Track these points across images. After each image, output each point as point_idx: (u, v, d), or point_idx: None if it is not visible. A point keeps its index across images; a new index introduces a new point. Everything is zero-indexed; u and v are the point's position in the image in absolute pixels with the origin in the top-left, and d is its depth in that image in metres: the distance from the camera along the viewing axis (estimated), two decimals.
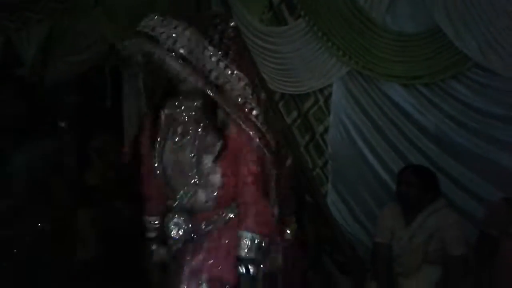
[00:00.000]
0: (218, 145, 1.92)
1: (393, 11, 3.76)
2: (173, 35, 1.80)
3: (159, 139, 2.00)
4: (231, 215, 2.00)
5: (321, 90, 3.96)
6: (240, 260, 1.90)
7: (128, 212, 3.95)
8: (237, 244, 1.91)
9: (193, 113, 1.97)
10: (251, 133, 1.91)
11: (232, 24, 1.98)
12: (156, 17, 1.85)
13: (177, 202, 1.99)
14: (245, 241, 1.90)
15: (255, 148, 1.93)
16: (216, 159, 1.93)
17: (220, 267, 1.95)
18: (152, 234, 2.22)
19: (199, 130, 1.95)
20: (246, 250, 1.89)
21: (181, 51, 1.80)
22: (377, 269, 3.16)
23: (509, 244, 2.89)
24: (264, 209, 1.94)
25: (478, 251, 3.07)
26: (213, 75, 1.87)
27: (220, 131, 1.93)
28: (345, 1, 3.80)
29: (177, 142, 1.97)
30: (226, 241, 1.98)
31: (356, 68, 3.81)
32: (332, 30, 3.83)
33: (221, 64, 1.89)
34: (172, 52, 1.80)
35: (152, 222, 2.21)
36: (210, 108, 1.94)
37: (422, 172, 3.21)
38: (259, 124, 1.94)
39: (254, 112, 1.94)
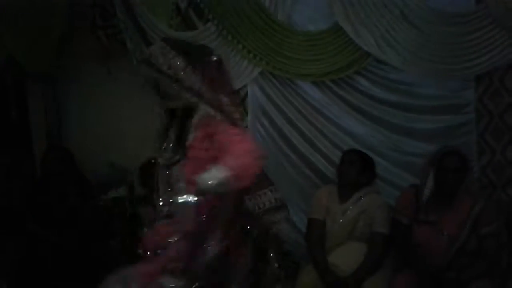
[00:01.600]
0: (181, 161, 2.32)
1: (296, 11, 3.98)
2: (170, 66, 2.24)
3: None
4: None
5: (237, 92, 4.09)
6: None
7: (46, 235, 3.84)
8: None
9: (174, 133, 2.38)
10: None
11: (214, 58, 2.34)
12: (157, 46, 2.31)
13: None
14: None
15: None
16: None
17: None
18: None
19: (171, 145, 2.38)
20: None
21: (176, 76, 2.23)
22: (311, 246, 3.35)
23: (419, 231, 3.12)
24: None
25: (392, 238, 3.30)
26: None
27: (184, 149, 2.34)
28: (250, 4, 3.94)
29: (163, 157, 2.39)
30: None
31: (267, 68, 3.99)
32: (241, 33, 3.96)
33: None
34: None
35: None
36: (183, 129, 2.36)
37: (364, 154, 3.51)
38: None
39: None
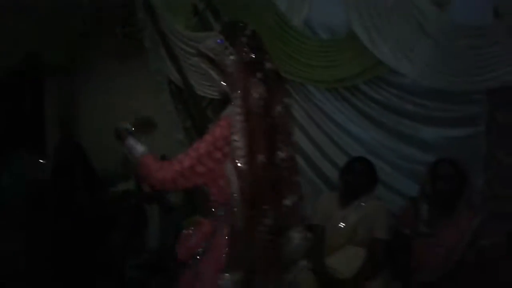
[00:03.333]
0: None
1: (312, 17, 3.98)
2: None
3: None
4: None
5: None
6: None
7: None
8: None
9: None
10: None
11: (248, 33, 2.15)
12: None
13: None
14: None
15: None
16: None
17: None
18: None
19: None
20: None
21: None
22: (312, 251, 3.22)
23: (418, 243, 3.12)
24: None
25: (392, 248, 3.28)
26: None
27: None
28: (268, 9, 3.97)
29: None
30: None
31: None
32: None
33: None
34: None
35: None
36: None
37: (370, 164, 3.49)
38: None
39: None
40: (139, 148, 2.13)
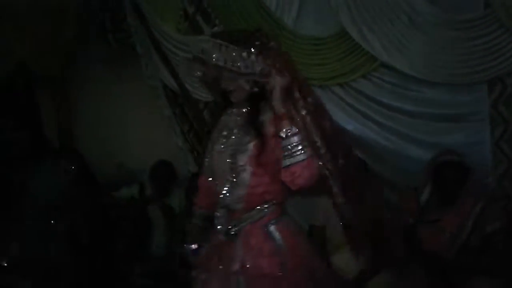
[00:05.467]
0: (251, 144, 2.08)
1: (303, 16, 3.98)
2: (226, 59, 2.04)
3: (211, 143, 2.26)
4: (258, 216, 2.14)
5: None
6: None
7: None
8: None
9: (239, 118, 2.17)
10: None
11: (271, 44, 2.10)
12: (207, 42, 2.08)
13: (220, 198, 2.16)
14: None
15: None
16: (247, 158, 2.08)
17: (253, 265, 2.09)
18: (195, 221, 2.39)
19: (239, 130, 2.14)
20: None
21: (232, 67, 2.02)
22: None
23: (423, 231, 3.14)
24: None
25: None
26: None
27: (258, 131, 2.08)
28: (257, 8, 3.97)
29: (222, 144, 2.19)
30: (255, 242, 2.12)
31: None
32: None
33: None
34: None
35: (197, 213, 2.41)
36: (254, 112, 2.12)
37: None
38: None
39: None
40: None
